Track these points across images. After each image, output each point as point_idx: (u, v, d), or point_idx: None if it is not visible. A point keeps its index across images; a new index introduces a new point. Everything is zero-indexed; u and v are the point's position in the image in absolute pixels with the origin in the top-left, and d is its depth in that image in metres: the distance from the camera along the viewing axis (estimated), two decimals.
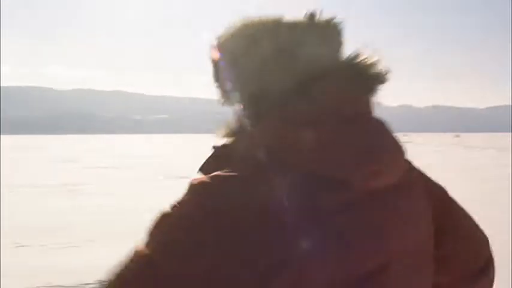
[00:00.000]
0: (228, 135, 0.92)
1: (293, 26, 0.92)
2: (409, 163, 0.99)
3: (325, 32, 0.93)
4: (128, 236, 4.41)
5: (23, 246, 8.08)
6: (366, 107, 0.92)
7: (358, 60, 0.91)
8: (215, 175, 0.83)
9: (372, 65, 0.91)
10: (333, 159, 0.84)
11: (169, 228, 0.82)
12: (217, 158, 0.91)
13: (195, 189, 0.83)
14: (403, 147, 0.95)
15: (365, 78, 0.91)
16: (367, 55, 0.91)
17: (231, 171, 0.83)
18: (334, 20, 0.94)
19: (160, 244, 0.81)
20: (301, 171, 0.83)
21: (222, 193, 0.81)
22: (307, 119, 0.86)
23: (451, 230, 1.05)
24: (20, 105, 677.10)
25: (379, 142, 0.90)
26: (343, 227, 0.83)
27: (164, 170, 22.77)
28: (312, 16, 0.92)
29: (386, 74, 0.91)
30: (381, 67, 0.91)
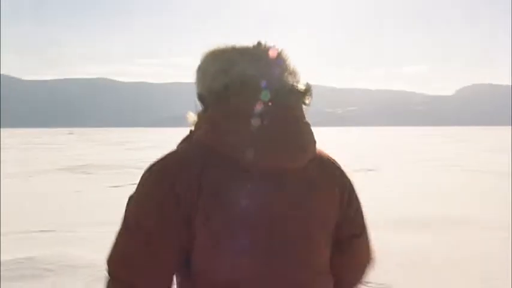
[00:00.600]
0: (192, 122, 1.42)
1: (239, 52, 1.39)
2: (320, 155, 1.45)
3: (254, 56, 1.39)
4: None
5: None
6: (280, 110, 1.34)
7: (280, 78, 1.38)
8: (165, 155, 1.35)
9: (291, 83, 1.39)
10: (237, 144, 1.29)
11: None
12: (186, 138, 1.40)
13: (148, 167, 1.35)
14: (311, 142, 1.40)
15: (284, 93, 1.37)
16: (289, 75, 1.40)
17: (176, 149, 1.37)
18: (271, 48, 1.41)
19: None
20: (216, 151, 1.31)
21: (157, 177, 1.30)
22: (227, 114, 1.32)
23: (350, 219, 1.50)
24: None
25: (281, 136, 1.32)
26: (234, 191, 1.28)
27: (349, 162, 20.58)
28: (257, 44, 1.42)
29: (298, 90, 1.39)
30: (297, 86, 1.39)
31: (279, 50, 1.44)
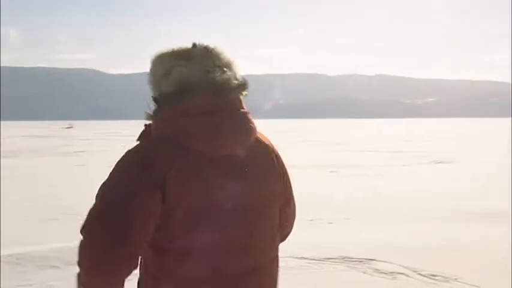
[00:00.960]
0: (148, 119, 1.63)
1: (175, 55, 1.63)
2: (260, 142, 1.67)
3: (188, 58, 1.61)
4: (382, 218, 8.24)
5: None
6: (222, 104, 1.58)
7: (214, 75, 1.59)
8: (131, 148, 1.59)
9: (225, 79, 1.59)
10: (195, 137, 1.54)
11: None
12: (143, 133, 1.63)
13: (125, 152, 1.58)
14: (253, 129, 1.63)
15: (222, 88, 1.59)
16: (223, 72, 1.60)
17: (139, 143, 1.61)
18: (204, 47, 1.64)
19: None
20: (177, 142, 1.53)
21: (129, 153, 1.56)
22: (180, 112, 1.56)
23: (286, 200, 1.78)
24: (299, 92, 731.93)
25: (225, 126, 1.55)
26: (194, 177, 1.53)
27: (426, 154, 22.47)
28: (192, 46, 1.65)
29: (234, 84, 1.61)
30: (232, 80, 1.61)
31: (211, 48, 1.65)
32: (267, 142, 1.73)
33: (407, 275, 5.40)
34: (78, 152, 26.32)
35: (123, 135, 53.87)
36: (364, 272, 5.53)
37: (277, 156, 1.75)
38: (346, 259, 5.98)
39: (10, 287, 4.97)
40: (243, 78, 1.66)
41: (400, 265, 5.70)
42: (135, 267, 1.58)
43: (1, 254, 5.83)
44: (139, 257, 1.57)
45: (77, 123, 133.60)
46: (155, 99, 1.64)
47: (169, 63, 1.62)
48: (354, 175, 14.91)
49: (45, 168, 17.94)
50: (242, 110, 1.63)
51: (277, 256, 1.75)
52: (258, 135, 1.69)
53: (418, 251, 6.24)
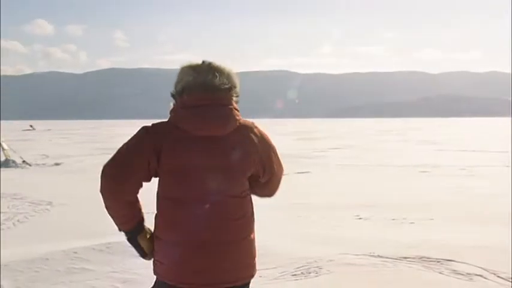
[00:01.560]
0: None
1: (188, 68, 2.41)
2: (243, 125, 2.42)
3: (197, 70, 2.38)
4: (466, 219, 8.14)
5: (361, 218, 8.46)
6: (212, 99, 2.34)
7: (209, 79, 2.35)
8: (153, 123, 2.41)
9: (214, 81, 2.35)
10: (183, 121, 2.31)
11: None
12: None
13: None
14: (231, 119, 2.36)
15: (211, 89, 2.35)
16: (214, 77, 2.37)
17: (160, 121, 2.43)
18: (208, 63, 2.41)
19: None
20: (174, 125, 2.34)
21: (144, 127, 2.39)
22: (180, 105, 2.36)
23: (269, 170, 2.50)
24: (403, 90, 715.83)
25: (210, 115, 2.31)
26: (175, 148, 2.30)
27: None
28: (202, 62, 2.41)
29: (222, 86, 2.37)
30: (220, 83, 2.36)
31: (213, 64, 2.42)
32: (251, 127, 2.46)
33: (485, 277, 5.28)
34: None
35: None
36: (440, 272, 5.45)
37: (261, 139, 2.47)
38: (423, 259, 5.91)
39: (101, 272, 5.37)
40: (233, 83, 2.45)
41: (478, 267, 5.57)
42: (131, 197, 2.39)
43: (94, 243, 6.28)
44: (137, 191, 2.41)
45: None
46: (172, 96, 2.45)
47: (182, 74, 2.44)
48: (445, 175, 14.51)
49: None
50: (228, 106, 2.39)
51: (239, 212, 2.41)
52: (245, 124, 2.45)
53: (499, 253, 6.05)
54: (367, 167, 17.20)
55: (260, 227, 7.25)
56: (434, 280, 5.24)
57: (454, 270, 5.50)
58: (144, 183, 2.39)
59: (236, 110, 2.43)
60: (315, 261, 5.79)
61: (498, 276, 5.29)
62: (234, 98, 2.44)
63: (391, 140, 36.40)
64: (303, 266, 5.65)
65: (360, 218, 8.45)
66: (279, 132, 56.25)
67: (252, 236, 2.47)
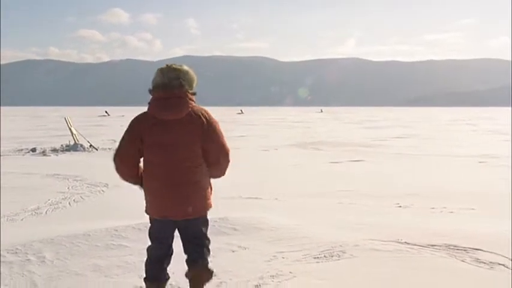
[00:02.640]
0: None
1: (160, 70, 3.73)
2: (194, 110, 3.68)
3: (163, 71, 3.70)
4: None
5: (401, 207, 8.54)
6: (169, 94, 3.61)
7: (167, 79, 3.65)
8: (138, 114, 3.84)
9: (171, 81, 3.64)
10: (153, 110, 3.68)
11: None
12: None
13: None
14: (184, 107, 3.64)
15: (169, 87, 3.63)
16: (172, 78, 3.67)
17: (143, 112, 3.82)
18: (170, 65, 3.74)
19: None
20: (150, 114, 3.70)
21: (135, 117, 3.79)
22: (151, 99, 3.70)
23: (210, 141, 3.70)
24: (474, 78, 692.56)
25: (169, 105, 3.61)
26: (151, 130, 3.67)
27: None
28: (166, 66, 3.75)
29: (176, 84, 3.65)
30: (177, 82, 3.65)
31: (174, 66, 3.72)
32: (199, 112, 3.69)
33: (506, 266, 5.29)
34: (238, 136, 27.80)
35: (288, 121, 55.57)
36: (462, 260, 5.50)
37: (207, 120, 3.69)
38: (450, 247, 5.94)
39: (135, 249, 5.76)
40: (188, 81, 3.71)
41: (505, 257, 5.57)
42: (129, 166, 3.80)
43: (135, 222, 6.70)
44: (135, 163, 3.80)
45: (249, 110, 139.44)
46: (149, 92, 3.72)
47: (154, 75, 3.71)
48: (503, 166, 14.14)
49: None
50: (182, 97, 3.64)
51: (195, 172, 3.73)
52: (197, 109, 3.70)
53: None
54: (423, 156, 16.98)
55: (299, 212, 7.47)
56: (454, 267, 5.29)
57: (478, 259, 5.53)
58: (140, 157, 3.78)
59: (191, 100, 3.69)
60: (340, 246, 5.96)
61: None
62: (190, 91, 3.71)
63: (458, 130, 35.56)
64: (327, 250, 5.83)
65: (400, 206, 8.50)
66: (347, 120, 56.09)
67: (198, 186, 3.77)
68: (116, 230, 6.34)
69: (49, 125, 36.82)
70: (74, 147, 18.36)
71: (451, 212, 8.05)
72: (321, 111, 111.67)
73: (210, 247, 4.15)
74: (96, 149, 18.68)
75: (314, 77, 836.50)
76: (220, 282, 4.79)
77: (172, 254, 4.07)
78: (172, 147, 3.63)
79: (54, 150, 18.04)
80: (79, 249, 5.71)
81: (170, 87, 3.61)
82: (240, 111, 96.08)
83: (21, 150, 18.68)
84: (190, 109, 3.64)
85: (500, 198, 9.20)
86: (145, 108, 3.73)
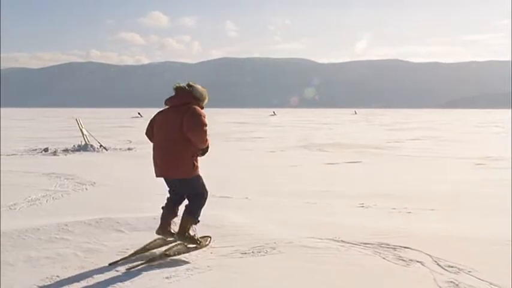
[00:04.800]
0: None
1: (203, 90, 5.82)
2: (183, 104, 5.57)
3: (199, 89, 5.74)
4: (470, 210, 8.31)
5: (363, 207, 8.69)
6: (177, 99, 5.64)
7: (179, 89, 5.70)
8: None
9: (176, 90, 5.70)
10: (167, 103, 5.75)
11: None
12: None
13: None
14: (180, 100, 5.62)
15: (179, 95, 5.68)
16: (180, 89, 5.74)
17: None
18: (187, 85, 5.70)
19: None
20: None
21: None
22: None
23: (186, 126, 5.45)
24: None
25: (172, 102, 5.68)
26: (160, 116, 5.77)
27: None
28: (187, 85, 5.72)
29: (179, 92, 5.68)
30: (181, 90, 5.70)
31: (190, 83, 5.72)
32: (185, 105, 5.51)
33: (423, 264, 5.43)
34: (255, 138, 28.09)
35: (315, 122, 55.59)
36: (383, 258, 5.65)
37: (187, 112, 5.43)
38: (382, 245, 6.10)
39: (75, 242, 6.10)
40: (195, 95, 5.66)
41: (428, 254, 5.71)
42: (149, 136, 5.92)
43: (90, 218, 7.08)
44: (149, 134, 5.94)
45: (284, 111, 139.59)
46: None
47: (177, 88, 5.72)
48: (500, 168, 14.04)
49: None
50: (181, 100, 5.59)
51: (176, 146, 5.50)
52: (188, 104, 5.53)
53: (467, 244, 6.15)
54: (426, 158, 16.94)
55: (258, 211, 7.61)
56: (370, 264, 5.46)
57: (400, 257, 5.68)
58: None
59: (190, 100, 5.58)
60: (274, 243, 6.18)
61: (438, 264, 5.42)
62: (194, 99, 5.62)
63: (480, 132, 35.13)
64: (259, 246, 6.07)
65: (362, 206, 8.64)
66: (376, 122, 55.80)
67: (181, 157, 5.48)
68: (66, 225, 6.70)
69: (77, 127, 37.76)
70: (84, 148, 18.96)
71: (409, 212, 8.16)
72: (355, 113, 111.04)
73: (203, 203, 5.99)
74: (106, 149, 19.21)
75: (352, 78, 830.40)
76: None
77: (180, 199, 5.99)
78: (162, 130, 5.62)
79: (65, 151, 18.66)
80: (23, 241, 6.09)
81: (179, 94, 5.62)
82: (273, 113, 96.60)
83: (35, 150, 19.40)
84: (184, 103, 5.56)
85: (471, 199, 9.24)
86: None
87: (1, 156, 16.84)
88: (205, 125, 5.48)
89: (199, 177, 5.70)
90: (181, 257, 5.66)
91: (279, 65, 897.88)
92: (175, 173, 5.58)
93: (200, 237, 6.01)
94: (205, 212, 7.71)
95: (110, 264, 5.32)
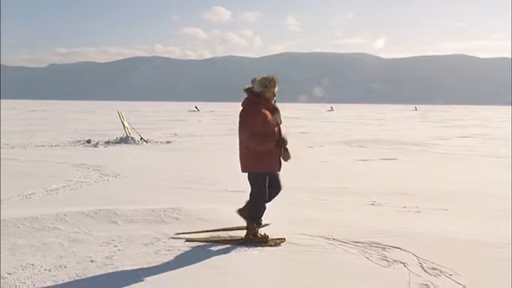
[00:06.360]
0: None
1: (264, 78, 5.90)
2: (244, 103, 5.87)
3: (267, 79, 5.85)
4: (481, 211, 8.01)
5: (373, 205, 8.55)
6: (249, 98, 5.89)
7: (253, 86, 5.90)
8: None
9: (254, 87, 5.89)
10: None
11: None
12: None
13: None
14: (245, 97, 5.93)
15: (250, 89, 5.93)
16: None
17: None
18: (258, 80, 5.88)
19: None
20: None
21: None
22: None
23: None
24: None
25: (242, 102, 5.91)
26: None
27: None
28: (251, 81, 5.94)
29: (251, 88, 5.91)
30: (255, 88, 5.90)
31: (248, 86, 5.93)
32: (244, 106, 5.80)
33: (405, 265, 5.27)
34: (300, 133, 27.92)
35: (369, 118, 54.76)
36: (367, 258, 5.51)
37: (242, 111, 5.77)
38: (373, 244, 5.95)
39: (65, 231, 6.24)
40: (256, 86, 5.85)
41: (415, 255, 5.54)
42: None
43: (92, 209, 7.22)
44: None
45: (342, 106, 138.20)
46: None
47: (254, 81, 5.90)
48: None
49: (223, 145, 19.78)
50: (245, 100, 5.89)
51: (240, 143, 5.91)
52: (245, 105, 5.82)
53: (464, 246, 5.94)
54: (464, 157, 16.38)
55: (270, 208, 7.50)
56: (351, 264, 5.33)
57: (385, 257, 5.53)
58: None
59: (249, 99, 5.84)
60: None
61: (420, 266, 5.25)
62: (256, 95, 5.81)
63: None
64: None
65: (373, 204, 8.46)
66: (432, 119, 54.46)
67: (242, 153, 5.89)
68: (65, 215, 6.85)
69: (130, 119, 38.61)
70: (125, 140, 19.39)
71: (418, 212, 7.93)
72: (415, 109, 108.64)
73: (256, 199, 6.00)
74: (146, 142, 19.57)
75: (417, 73, 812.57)
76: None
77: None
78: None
79: (107, 143, 19.15)
80: (17, 229, 6.28)
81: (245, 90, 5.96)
82: (331, 108, 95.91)
83: (79, 141, 20.01)
84: (245, 103, 5.85)
85: (490, 201, 8.87)
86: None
87: (44, 147, 17.46)
88: (248, 125, 5.69)
89: (255, 175, 5.92)
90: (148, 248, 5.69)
91: (342, 60, 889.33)
92: (240, 167, 5.97)
93: (275, 238, 6.07)
94: (204, 206, 7.84)
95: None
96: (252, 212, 6.01)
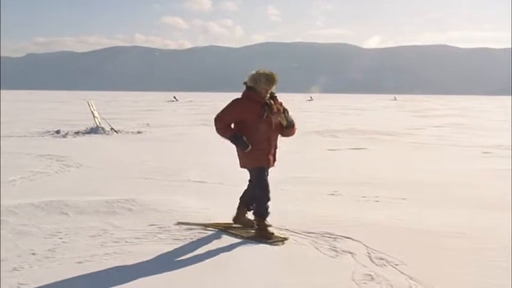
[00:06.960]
0: None
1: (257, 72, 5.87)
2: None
3: (260, 75, 5.83)
4: (444, 201, 7.99)
5: (333, 195, 8.46)
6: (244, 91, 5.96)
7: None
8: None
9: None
10: None
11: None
12: None
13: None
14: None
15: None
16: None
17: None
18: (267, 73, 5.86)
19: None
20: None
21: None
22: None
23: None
24: None
25: None
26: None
27: None
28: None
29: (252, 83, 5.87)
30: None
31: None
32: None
33: (353, 255, 5.24)
34: None
35: (347, 108, 54.89)
36: (316, 248, 5.49)
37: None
38: (325, 235, 5.92)
39: (12, 224, 6.12)
40: (249, 81, 5.87)
41: (365, 245, 5.52)
42: None
43: (46, 200, 7.08)
44: None
45: (323, 96, 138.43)
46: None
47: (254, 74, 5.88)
48: (507, 157, 13.49)
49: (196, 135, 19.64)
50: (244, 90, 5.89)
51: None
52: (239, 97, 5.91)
53: (416, 236, 5.96)
54: (435, 146, 16.40)
55: (221, 197, 7.45)
56: (298, 254, 5.31)
57: (334, 247, 5.51)
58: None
59: (244, 92, 5.88)
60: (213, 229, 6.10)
61: (368, 256, 5.22)
62: (249, 88, 5.83)
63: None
64: (191, 232, 6.01)
65: (332, 195, 8.37)
66: (409, 109, 54.65)
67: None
68: (16, 207, 6.76)
69: (106, 110, 38.08)
70: (95, 130, 19.17)
71: (377, 201, 7.88)
72: (395, 99, 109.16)
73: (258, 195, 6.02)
74: (117, 132, 19.36)
75: (398, 63, 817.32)
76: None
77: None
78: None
79: (76, 133, 18.89)
80: None
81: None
82: (310, 98, 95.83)
83: (48, 132, 19.69)
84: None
85: (451, 190, 8.85)
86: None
87: (12, 138, 17.19)
88: (218, 117, 5.86)
89: (255, 170, 6.02)
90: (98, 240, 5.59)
91: (323, 50, 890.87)
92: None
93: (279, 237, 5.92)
94: (160, 197, 7.75)
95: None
96: (260, 209, 6.00)
